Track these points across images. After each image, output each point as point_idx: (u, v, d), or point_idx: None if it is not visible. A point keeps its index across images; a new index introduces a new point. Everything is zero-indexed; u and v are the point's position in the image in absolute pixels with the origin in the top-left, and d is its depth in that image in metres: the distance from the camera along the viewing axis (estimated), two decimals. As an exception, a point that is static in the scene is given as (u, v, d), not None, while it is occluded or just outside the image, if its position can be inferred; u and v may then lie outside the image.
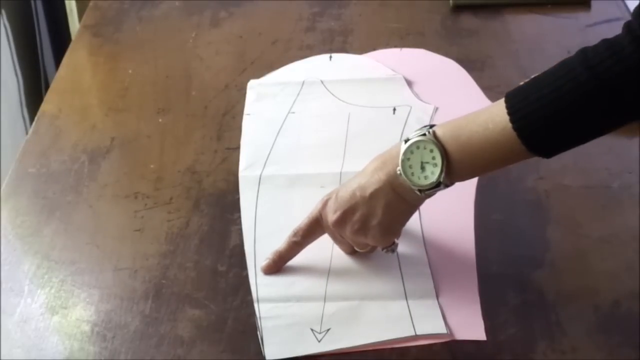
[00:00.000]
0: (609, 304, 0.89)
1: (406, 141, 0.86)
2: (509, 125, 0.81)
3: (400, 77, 1.21)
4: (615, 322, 0.87)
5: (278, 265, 0.94)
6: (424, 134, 0.85)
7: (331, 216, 0.90)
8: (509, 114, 0.81)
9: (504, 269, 0.93)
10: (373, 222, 0.88)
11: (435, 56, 1.27)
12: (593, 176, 1.05)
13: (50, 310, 0.91)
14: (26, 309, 0.91)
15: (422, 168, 0.85)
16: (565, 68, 0.80)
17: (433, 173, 0.84)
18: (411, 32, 1.32)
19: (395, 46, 1.29)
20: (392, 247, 0.92)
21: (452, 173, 0.84)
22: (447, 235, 0.97)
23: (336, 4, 1.39)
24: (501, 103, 0.82)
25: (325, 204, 0.91)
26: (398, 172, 0.86)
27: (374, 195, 0.87)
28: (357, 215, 0.88)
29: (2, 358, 0.86)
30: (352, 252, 0.94)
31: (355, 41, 1.31)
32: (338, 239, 0.93)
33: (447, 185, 0.85)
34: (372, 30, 1.33)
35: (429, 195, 0.87)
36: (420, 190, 0.85)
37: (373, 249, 0.93)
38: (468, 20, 1.34)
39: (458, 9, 1.36)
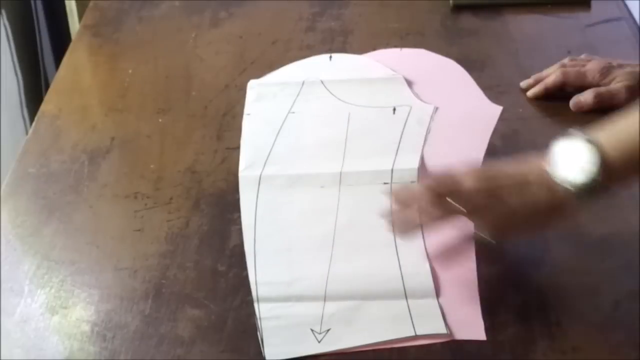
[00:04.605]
0: (609, 304, 0.89)
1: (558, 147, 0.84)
2: None
3: (400, 77, 1.21)
4: (615, 322, 0.87)
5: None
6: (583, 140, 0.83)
7: (478, 184, 0.86)
8: None
9: (504, 269, 0.93)
10: (518, 210, 0.86)
11: (435, 56, 1.27)
12: (593, 176, 1.05)
13: (50, 310, 0.91)
14: (26, 309, 0.91)
15: (577, 167, 0.83)
16: None
17: (588, 171, 0.82)
18: (411, 32, 1.32)
19: (395, 46, 1.29)
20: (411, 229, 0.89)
21: (609, 172, 0.82)
22: (447, 235, 0.97)
23: (336, 4, 1.39)
24: None
25: (469, 171, 0.87)
26: (550, 168, 0.84)
27: (526, 184, 0.85)
28: (504, 197, 0.86)
29: (2, 358, 0.86)
30: (430, 221, 0.89)
31: (355, 41, 1.30)
32: (439, 205, 0.87)
33: (604, 188, 0.83)
34: (372, 30, 1.33)
35: (582, 198, 0.84)
36: (573, 189, 0.83)
37: (442, 219, 0.89)
38: (468, 20, 1.34)
39: (458, 9, 1.36)
